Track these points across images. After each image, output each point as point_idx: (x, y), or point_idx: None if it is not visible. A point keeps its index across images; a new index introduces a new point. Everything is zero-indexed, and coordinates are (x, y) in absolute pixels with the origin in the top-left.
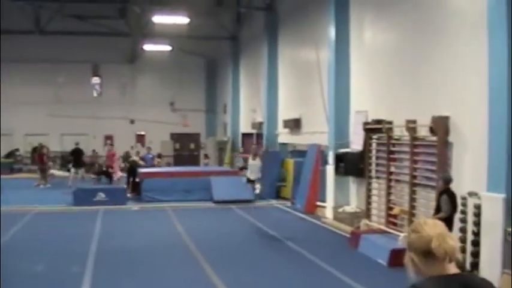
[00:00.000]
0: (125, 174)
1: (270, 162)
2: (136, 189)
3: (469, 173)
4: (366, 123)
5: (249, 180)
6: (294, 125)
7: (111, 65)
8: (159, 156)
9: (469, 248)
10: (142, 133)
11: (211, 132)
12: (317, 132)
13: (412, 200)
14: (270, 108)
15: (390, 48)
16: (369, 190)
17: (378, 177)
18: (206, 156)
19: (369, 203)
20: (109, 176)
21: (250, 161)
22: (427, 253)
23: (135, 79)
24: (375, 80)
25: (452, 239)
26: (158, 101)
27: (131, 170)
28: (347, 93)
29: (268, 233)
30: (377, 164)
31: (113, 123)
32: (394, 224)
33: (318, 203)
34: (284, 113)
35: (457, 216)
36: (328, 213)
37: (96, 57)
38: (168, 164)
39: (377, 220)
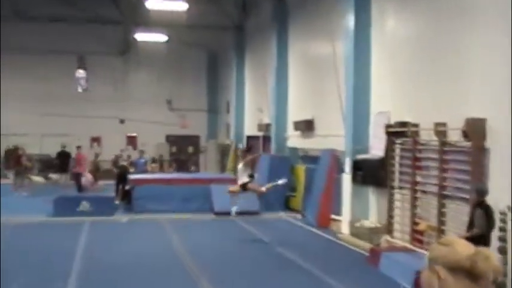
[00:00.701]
0: (99, 180)
1: (278, 169)
2: (126, 198)
3: (509, 184)
4: (388, 126)
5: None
6: (306, 127)
7: (98, 57)
8: (154, 160)
9: (510, 270)
10: (134, 134)
11: (213, 135)
12: (332, 136)
13: (441, 214)
14: (279, 108)
15: (416, 39)
16: (391, 202)
17: (401, 188)
18: (167, 164)
19: (390, 217)
20: (77, 181)
21: (239, 166)
22: (460, 271)
23: (126, 73)
24: (399, 76)
25: (495, 258)
26: (152, 99)
27: (121, 176)
28: (367, 91)
29: (276, 250)
30: (400, 173)
31: (101, 123)
32: (420, 241)
33: (332, 216)
34: (295, 113)
35: (495, 234)
36: (344, 228)
37: (81, 47)
38: (171, 168)
39: (400, 237)
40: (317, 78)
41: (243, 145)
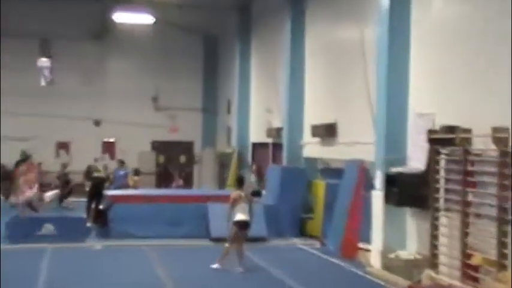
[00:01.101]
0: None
1: (291, 185)
2: (100, 219)
3: None
4: (431, 132)
5: None
6: (327, 132)
7: (67, 42)
8: (136, 173)
9: None
10: (112, 140)
11: (210, 141)
12: (359, 143)
13: (501, 244)
14: (293, 109)
15: (469, 21)
16: (434, 228)
17: (448, 210)
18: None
19: (434, 247)
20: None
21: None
22: None
23: (102, 63)
24: (445, 69)
25: None
26: (135, 95)
27: (94, 191)
28: (404, 88)
29: None
30: (447, 191)
31: (70, 124)
32: (474, 278)
33: (360, 245)
34: (312, 115)
35: None
36: (375, 260)
37: (45, 29)
38: (181, 178)
39: (447, 272)
40: (341, 71)
41: (247, 155)
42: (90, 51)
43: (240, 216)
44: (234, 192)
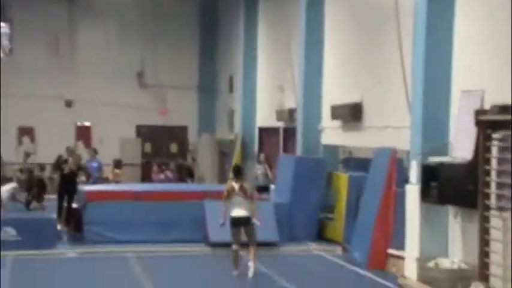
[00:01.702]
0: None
1: (308, 178)
2: (73, 220)
3: None
4: (479, 113)
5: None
6: (351, 114)
7: (30, 3)
8: (117, 165)
9: None
10: (88, 124)
11: (208, 126)
12: (390, 128)
13: None
14: (310, 86)
15: None
16: (484, 231)
17: (501, 209)
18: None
19: (484, 255)
20: None
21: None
22: None
23: (74, 30)
24: (497, 38)
25: None
26: (116, 70)
27: (65, 187)
28: (446, 61)
29: None
30: (500, 185)
31: (35, 105)
32: None
33: (391, 252)
34: (333, 93)
35: None
36: (410, 270)
37: None
38: (163, 171)
39: (501, 285)
40: (368, 40)
41: (253, 142)
42: (58, 15)
43: (234, 211)
44: (228, 184)
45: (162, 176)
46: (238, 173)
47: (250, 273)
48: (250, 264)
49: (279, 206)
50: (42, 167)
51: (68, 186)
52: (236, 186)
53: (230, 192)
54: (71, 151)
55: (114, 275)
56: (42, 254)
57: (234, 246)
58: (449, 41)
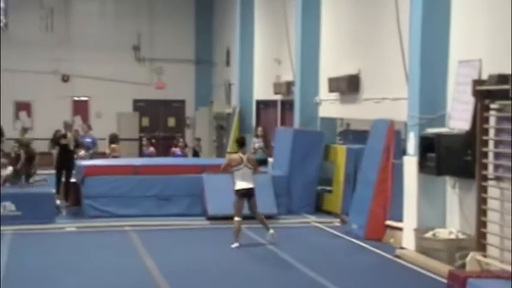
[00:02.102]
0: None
1: (305, 151)
2: (72, 195)
3: None
4: (477, 83)
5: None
6: (348, 86)
7: None
8: (114, 140)
9: None
10: (85, 99)
11: (205, 99)
12: (388, 100)
13: None
14: (307, 58)
15: None
16: (482, 201)
17: (499, 179)
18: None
19: (482, 225)
20: None
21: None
22: None
23: (70, 4)
24: (495, 5)
25: None
26: (112, 43)
27: (63, 161)
28: (444, 29)
29: (306, 278)
30: (498, 155)
31: (32, 80)
32: None
33: (389, 223)
34: (330, 65)
35: None
36: (407, 241)
37: None
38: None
39: (498, 255)
40: (366, 12)
41: (251, 116)
42: None
43: (240, 184)
44: (233, 155)
45: (151, 149)
46: (243, 144)
47: (274, 238)
48: (271, 231)
49: (277, 179)
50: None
51: (65, 161)
52: (244, 157)
53: (237, 164)
54: (68, 126)
55: (112, 248)
56: (42, 228)
57: (237, 218)
58: (446, 10)
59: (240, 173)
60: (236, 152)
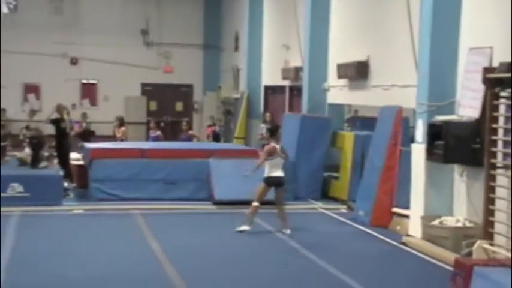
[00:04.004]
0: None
1: (312, 137)
2: (76, 176)
3: None
4: (487, 70)
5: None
6: (357, 72)
7: None
8: (121, 122)
9: None
10: (93, 82)
11: (213, 84)
12: (397, 86)
13: None
14: (315, 44)
15: None
16: (490, 189)
17: (507, 167)
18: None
19: (489, 213)
20: None
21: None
22: None
23: None
24: None
25: None
26: (120, 27)
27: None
28: (455, 17)
29: (312, 264)
30: (507, 144)
31: (40, 63)
32: None
33: (396, 210)
34: (339, 51)
35: None
36: (414, 229)
37: None
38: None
39: (505, 243)
40: None
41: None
42: None
43: (272, 172)
44: (269, 145)
45: (158, 133)
46: (276, 133)
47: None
48: (288, 231)
49: (284, 164)
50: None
51: (63, 143)
52: (278, 147)
53: (272, 154)
54: (63, 108)
55: (119, 231)
56: (49, 210)
57: (256, 204)
58: None
59: (272, 162)
60: (270, 141)
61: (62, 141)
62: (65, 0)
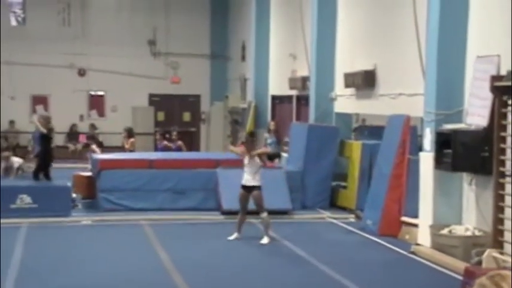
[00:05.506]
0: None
1: (320, 146)
2: (83, 187)
3: None
4: (495, 79)
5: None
6: (364, 81)
7: None
8: (129, 134)
9: None
10: (101, 93)
11: (220, 94)
12: (404, 95)
13: None
14: (322, 53)
15: None
16: (499, 198)
17: None
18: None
19: (499, 221)
20: None
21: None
22: None
23: None
24: None
25: None
26: (128, 38)
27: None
28: (462, 25)
29: (320, 273)
30: None
31: (48, 74)
32: None
33: (404, 219)
34: (346, 61)
35: None
36: (423, 237)
37: None
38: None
39: None
40: (382, 7)
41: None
42: None
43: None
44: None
45: (165, 143)
46: (251, 135)
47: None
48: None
49: (292, 174)
50: None
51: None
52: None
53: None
54: (48, 121)
55: (128, 241)
56: (57, 221)
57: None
58: (465, 5)
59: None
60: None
61: (49, 152)
62: (72, 11)
